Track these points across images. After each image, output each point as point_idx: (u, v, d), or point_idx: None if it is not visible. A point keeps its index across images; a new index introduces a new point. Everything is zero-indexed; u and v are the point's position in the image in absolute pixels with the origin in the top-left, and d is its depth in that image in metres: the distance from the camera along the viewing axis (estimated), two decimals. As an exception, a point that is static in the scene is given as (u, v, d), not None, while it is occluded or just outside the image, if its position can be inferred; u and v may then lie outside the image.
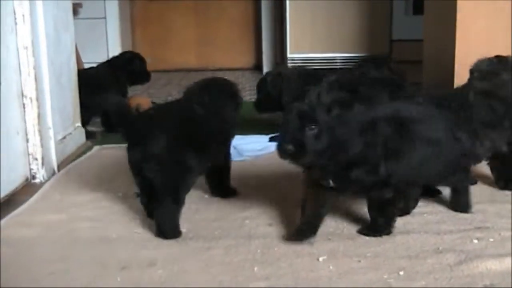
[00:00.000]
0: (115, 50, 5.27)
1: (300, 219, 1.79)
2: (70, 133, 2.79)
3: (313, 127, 1.60)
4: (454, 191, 1.98)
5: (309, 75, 2.97)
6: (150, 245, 1.76)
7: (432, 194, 2.08)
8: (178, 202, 1.82)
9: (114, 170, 2.52)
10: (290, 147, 1.58)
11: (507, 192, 2.14)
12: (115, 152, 2.80)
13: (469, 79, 2.18)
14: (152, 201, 1.86)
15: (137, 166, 1.84)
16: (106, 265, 1.63)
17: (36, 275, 1.58)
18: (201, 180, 2.33)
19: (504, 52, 2.77)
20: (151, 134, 1.80)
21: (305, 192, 1.79)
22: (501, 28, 2.80)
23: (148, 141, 1.80)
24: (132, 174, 1.89)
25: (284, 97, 2.91)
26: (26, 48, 2.36)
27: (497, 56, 2.18)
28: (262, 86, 3.07)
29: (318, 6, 4.57)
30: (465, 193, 1.97)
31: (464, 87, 2.17)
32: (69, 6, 2.87)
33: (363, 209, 1.90)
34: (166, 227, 1.79)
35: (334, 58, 4.58)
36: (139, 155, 1.82)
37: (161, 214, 1.80)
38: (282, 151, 1.61)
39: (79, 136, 2.93)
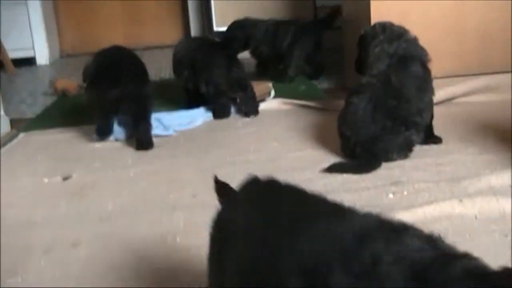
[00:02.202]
0: (39, 35, 5.17)
1: None
2: (-7, 123, 2.75)
3: None
4: None
5: None
6: (75, 226, 1.77)
7: None
8: None
9: (40, 156, 2.50)
10: None
11: (425, 147, 2.22)
12: (41, 138, 2.79)
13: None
14: None
15: None
16: (30, 249, 1.64)
17: (-41, 266, 1.58)
18: (128, 157, 2.36)
19: (417, 11, 2.89)
20: None
21: None
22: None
23: None
24: None
25: None
26: None
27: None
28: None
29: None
30: None
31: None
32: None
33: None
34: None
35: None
36: None
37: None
38: None
39: (2, 125, 2.88)
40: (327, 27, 3.72)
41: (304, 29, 3.64)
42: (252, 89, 2.90)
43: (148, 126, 2.51)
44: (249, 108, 2.87)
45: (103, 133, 2.56)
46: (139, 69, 2.67)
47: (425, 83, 2.15)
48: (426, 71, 2.16)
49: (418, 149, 2.19)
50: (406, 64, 2.13)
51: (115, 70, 2.57)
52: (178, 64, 3.01)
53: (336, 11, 3.61)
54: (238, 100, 2.88)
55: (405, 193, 1.82)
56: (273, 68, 3.68)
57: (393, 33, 2.20)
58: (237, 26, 3.65)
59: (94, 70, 2.62)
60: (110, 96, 2.48)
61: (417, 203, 1.73)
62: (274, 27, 3.65)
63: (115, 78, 2.51)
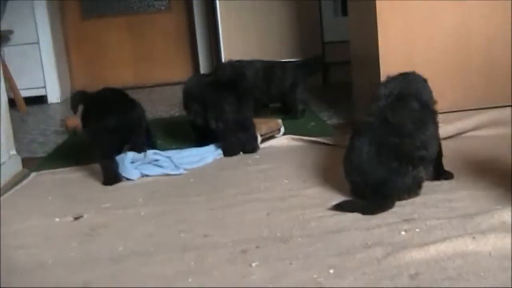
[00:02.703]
0: (51, 74, 5.24)
1: None
2: (4, 162, 2.76)
3: None
4: None
5: None
6: (86, 267, 1.77)
7: None
8: None
9: (51, 196, 2.51)
10: None
11: (436, 182, 2.21)
12: (52, 177, 2.81)
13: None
14: None
15: None
16: (41, 292, 1.63)
17: (-29, 309, 1.57)
18: (138, 196, 2.37)
19: (423, 48, 2.91)
20: None
21: None
22: (419, 26, 2.91)
23: None
24: None
25: None
26: (-49, 81, 2.34)
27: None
28: None
29: (249, 14, 4.64)
30: None
31: None
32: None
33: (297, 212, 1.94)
34: None
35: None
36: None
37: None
38: None
39: (14, 164, 2.90)
40: (315, 71, 3.95)
41: (300, 68, 3.74)
42: (254, 129, 2.93)
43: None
44: (249, 147, 2.90)
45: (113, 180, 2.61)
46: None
47: (424, 115, 2.13)
48: (425, 106, 2.15)
49: (429, 184, 2.18)
50: (402, 100, 2.12)
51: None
52: (188, 99, 3.03)
53: (318, 59, 4.01)
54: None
55: (417, 230, 1.80)
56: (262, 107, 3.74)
57: (392, 77, 2.21)
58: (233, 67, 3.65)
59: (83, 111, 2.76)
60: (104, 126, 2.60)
61: (429, 240, 1.71)
62: (267, 68, 3.68)
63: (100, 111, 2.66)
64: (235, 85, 2.89)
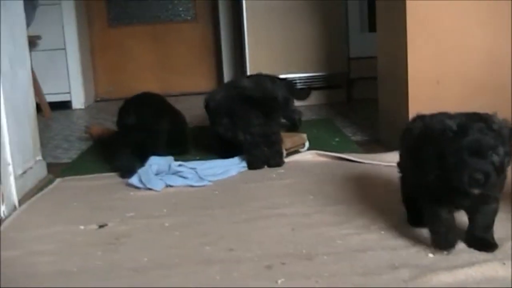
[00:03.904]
0: (76, 80, 5.28)
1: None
2: (31, 167, 2.78)
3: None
4: None
5: None
6: (110, 276, 1.77)
7: None
8: None
9: (75, 202, 2.52)
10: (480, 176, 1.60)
11: (462, 204, 2.19)
12: (76, 184, 2.82)
13: None
14: None
15: None
16: (65, 300, 1.64)
17: (-5, 314, 1.58)
18: (162, 207, 2.36)
19: (453, 67, 2.88)
20: None
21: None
22: (449, 44, 2.89)
23: None
24: None
25: None
26: (-18, 86, 2.36)
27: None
28: None
29: (276, 27, 4.64)
30: None
31: None
32: (25, 42, 2.88)
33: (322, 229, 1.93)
34: None
35: (293, 79, 4.63)
36: None
37: None
38: (472, 182, 1.61)
39: (40, 170, 2.92)
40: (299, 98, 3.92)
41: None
42: (280, 144, 2.93)
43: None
44: (273, 162, 2.90)
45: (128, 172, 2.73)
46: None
47: None
48: None
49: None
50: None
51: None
52: (217, 113, 3.01)
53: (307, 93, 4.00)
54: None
55: (446, 253, 1.78)
56: None
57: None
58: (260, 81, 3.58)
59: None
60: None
61: (457, 264, 1.69)
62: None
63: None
64: (264, 100, 2.90)
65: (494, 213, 1.79)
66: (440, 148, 1.69)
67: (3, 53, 2.54)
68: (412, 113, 2.84)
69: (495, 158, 1.62)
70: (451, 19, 2.87)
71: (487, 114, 1.73)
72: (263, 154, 2.88)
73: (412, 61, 2.88)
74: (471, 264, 1.67)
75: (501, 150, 1.62)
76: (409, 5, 2.84)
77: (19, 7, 2.83)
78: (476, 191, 1.65)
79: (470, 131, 1.64)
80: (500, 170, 1.63)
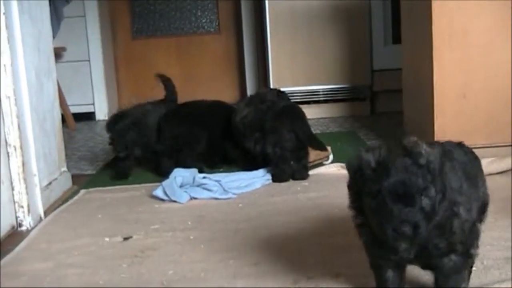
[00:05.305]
0: (100, 91, 5.32)
1: None
2: (56, 179, 2.80)
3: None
4: None
5: None
6: (137, 290, 1.77)
7: None
8: None
9: (100, 214, 2.53)
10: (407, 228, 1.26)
11: (489, 219, 2.15)
12: (101, 195, 2.83)
13: None
14: None
15: None
16: (92, 313, 1.64)
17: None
18: (187, 219, 2.36)
19: (479, 79, 2.85)
20: None
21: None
22: (476, 56, 2.86)
23: None
24: None
25: None
26: (9, 97, 2.38)
27: None
28: None
29: (299, 39, 4.63)
30: None
31: None
32: (51, 54, 2.90)
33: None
34: None
35: (317, 91, 4.63)
36: None
37: None
38: (397, 236, 1.28)
39: (65, 181, 2.94)
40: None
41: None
42: (307, 160, 2.94)
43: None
44: (299, 176, 2.90)
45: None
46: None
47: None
48: None
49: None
50: None
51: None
52: (247, 128, 3.00)
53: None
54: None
55: (474, 269, 1.76)
56: None
57: None
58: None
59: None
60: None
61: (487, 280, 1.67)
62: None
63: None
64: (294, 115, 2.90)
65: (457, 269, 1.42)
66: (358, 189, 1.38)
67: (29, 64, 2.57)
68: (438, 126, 2.84)
69: (425, 202, 1.28)
70: (478, 31, 2.84)
71: (414, 142, 1.34)
72: (290, 168, 2.88)
73: (438, 74, 2.86)
74: (501, 280, 1.65)
75: (431, 191, 1.29)
76: (435, 17, 2.82)
77: (46, 19, 2.86)
78: (403, 246, 1.33)
79: (393, 170, 1.29)
80: (432, 215, 1.30)
